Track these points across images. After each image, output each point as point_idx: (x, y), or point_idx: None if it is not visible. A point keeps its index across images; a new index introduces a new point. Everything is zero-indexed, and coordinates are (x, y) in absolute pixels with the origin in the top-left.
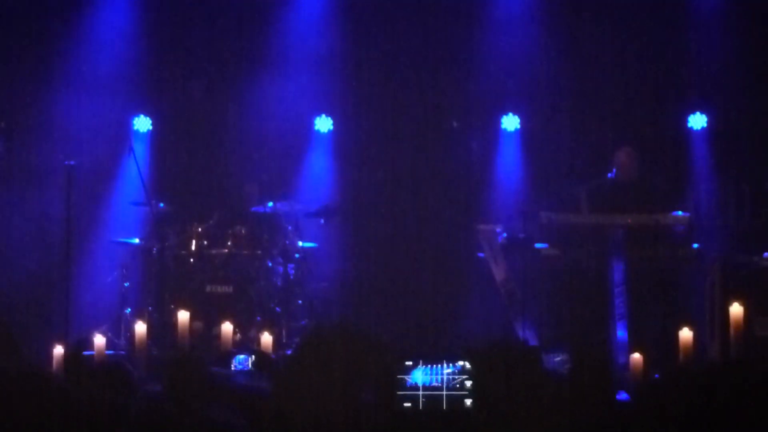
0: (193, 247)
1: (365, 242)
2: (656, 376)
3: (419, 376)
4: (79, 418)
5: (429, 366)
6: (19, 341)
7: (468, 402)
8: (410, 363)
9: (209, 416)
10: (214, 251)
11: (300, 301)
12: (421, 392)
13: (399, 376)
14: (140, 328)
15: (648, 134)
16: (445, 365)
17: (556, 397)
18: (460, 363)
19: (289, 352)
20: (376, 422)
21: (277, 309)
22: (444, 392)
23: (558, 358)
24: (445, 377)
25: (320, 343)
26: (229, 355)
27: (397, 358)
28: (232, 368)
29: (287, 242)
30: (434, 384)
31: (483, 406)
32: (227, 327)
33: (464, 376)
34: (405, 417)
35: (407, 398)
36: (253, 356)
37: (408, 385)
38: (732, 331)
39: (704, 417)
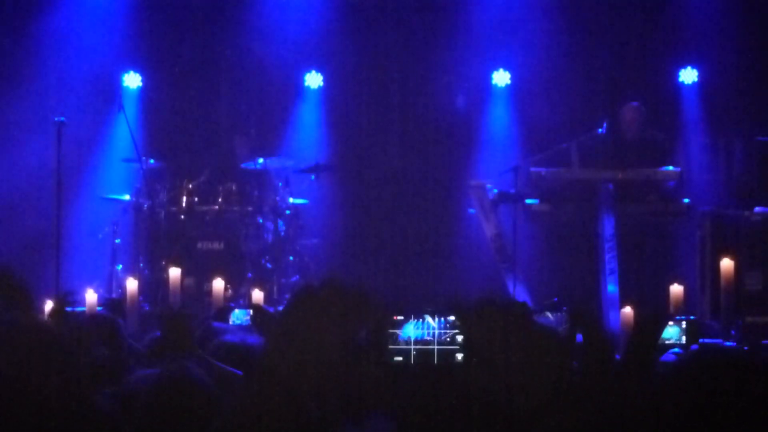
0: (184, 204)
1: (355, 198)
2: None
3: (410, 330)
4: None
5: (420, 320)
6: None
7: (459, 356)
8: (401, 317)
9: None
10: (204, 208)
11: (291, 258)
12: (412, 347)
13: (390, 331)
14: (131, 284)
15: (639, 89)
16: (436, 320)
17: (547, 351)
18: (451, 317)
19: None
20: (367, 377)
21: (268, 265)
22: (435, 347)
23: (552, 316)
24: (436, 332)
25: (310, 300)
26: (227, 311)
27: (387, 313)
28: (230, 323)
29: (278, 199)
30: (425, 338)
31: (473, 360)
32: (219, 283)
33: (455, 331)
34: (396, 371)
35: (398, 352)
36: (251, 311)
37: (399, 339)
38: (722, 285)
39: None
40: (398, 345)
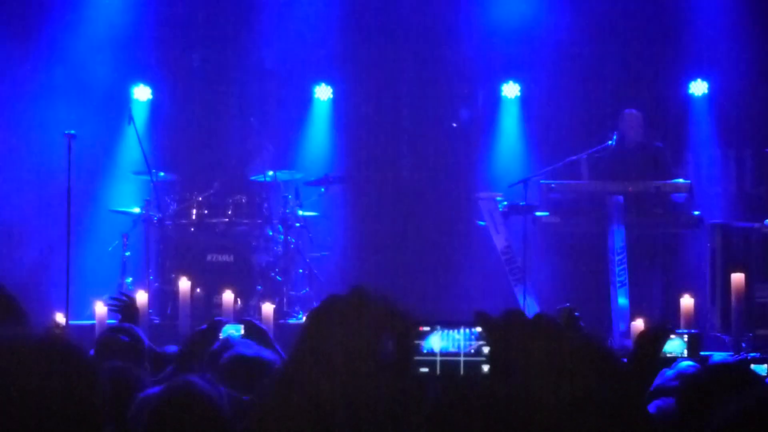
0: (194, 216)
1: (365, 211)
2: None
3: (436, 341)
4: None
5: (446, 331)
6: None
7: (485, 368)
8: (427, 329)
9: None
10: (214, 220)
11: (301, 270)
12: (438, 358)
13: (415, 342)
14: (141, 297)
15: (649, 101)
16: (462, 331)
17: (572, 362)
18: (477, 329)
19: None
20: (392, 388)
21: (278, 278)
22: (461, 358)
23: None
24: (462, 343)
25: (335, 310)
26: (217, 325)
27: (414, 324)
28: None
29: (288, 211)
30: (451, 350)
31: (500, 372)
32: (228, 296)
33: (481, 342)
34: (422, 382)
35: (424, 364)
36: (243, 325)
37: (424, 350)
38: (733, 297)
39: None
40: (423, 356)
